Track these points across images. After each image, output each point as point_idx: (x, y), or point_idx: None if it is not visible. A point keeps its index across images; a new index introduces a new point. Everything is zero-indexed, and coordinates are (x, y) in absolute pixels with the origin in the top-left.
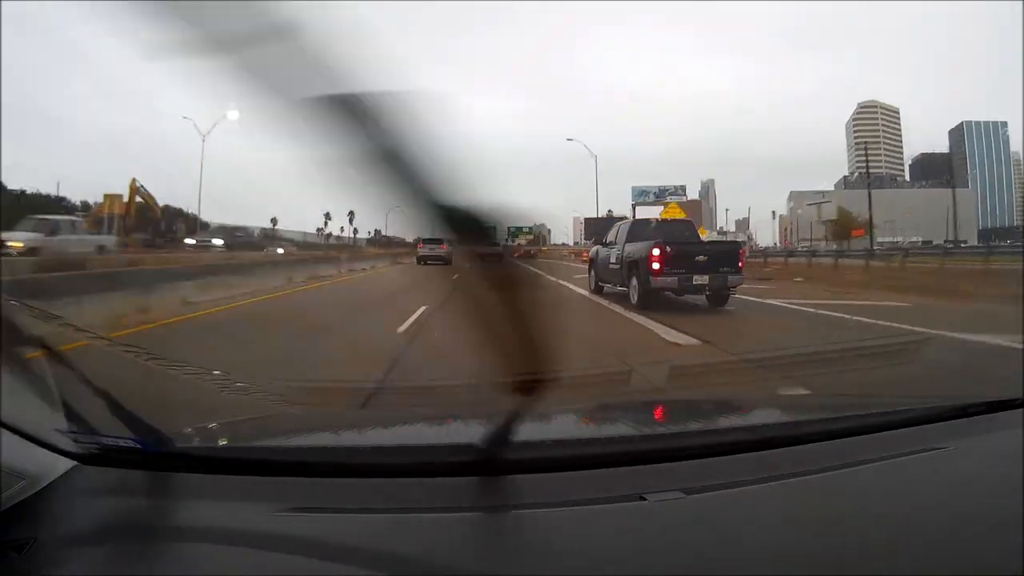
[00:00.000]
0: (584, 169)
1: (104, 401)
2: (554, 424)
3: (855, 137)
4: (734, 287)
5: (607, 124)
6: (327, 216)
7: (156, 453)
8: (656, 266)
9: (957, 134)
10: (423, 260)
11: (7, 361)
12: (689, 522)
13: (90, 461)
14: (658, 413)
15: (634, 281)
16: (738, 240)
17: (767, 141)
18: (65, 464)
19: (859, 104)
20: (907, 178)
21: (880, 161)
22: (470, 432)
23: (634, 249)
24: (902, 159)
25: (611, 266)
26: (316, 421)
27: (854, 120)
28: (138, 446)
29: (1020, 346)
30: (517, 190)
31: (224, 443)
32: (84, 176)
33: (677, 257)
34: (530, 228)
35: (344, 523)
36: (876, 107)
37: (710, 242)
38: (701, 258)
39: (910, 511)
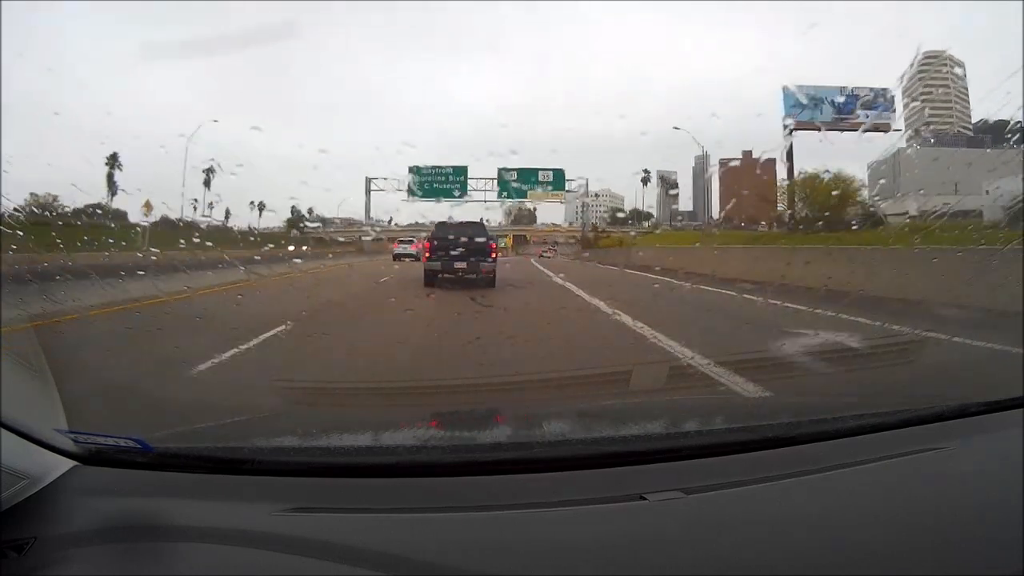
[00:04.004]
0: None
1: (103, 401)
2: (554, 424)
3: (923, 89)
4: (488, 271)
5: (619, 100)
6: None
7: (156, 453)
8: (427, 254)
9: None
10: (398, 258)
11: (7, 360)
12: (689, 522)
13: (90, 461)
14: (658, 413)
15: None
16: (490, 236)
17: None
18: (65, 464)
19: (923, 53)
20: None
21: (952, 119)
22: (470, 432)
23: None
24: (970, 119)
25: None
26: (315, 421)
27: (918, 72)
28: (138, 446)
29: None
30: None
31: (224, 443)
32: None
33: (441, 248)
34: (555, 173)
35: (343, 523)
36: (944, 59)
37: (469, 239)
38: (460, 250)
39: (910, 511)
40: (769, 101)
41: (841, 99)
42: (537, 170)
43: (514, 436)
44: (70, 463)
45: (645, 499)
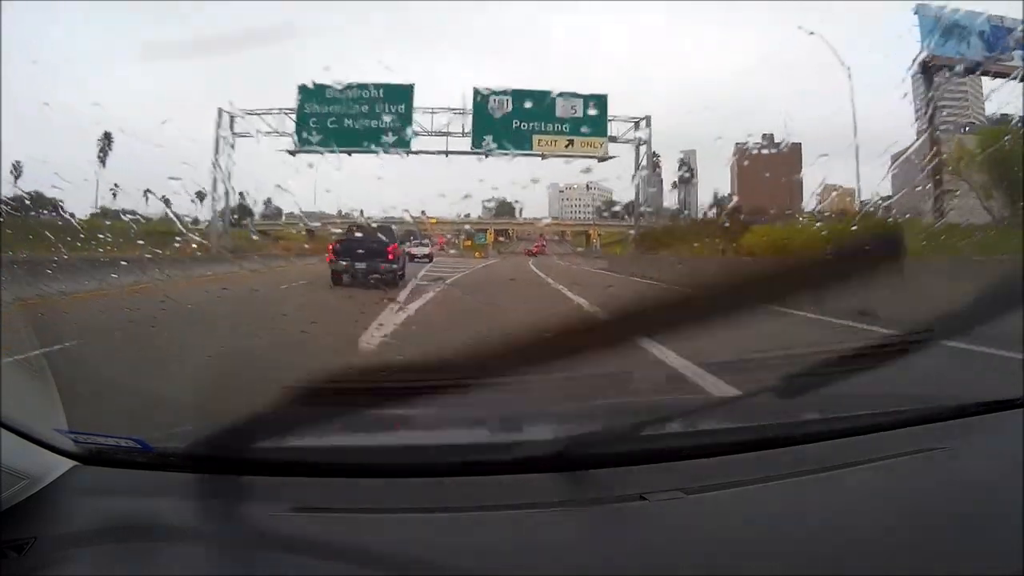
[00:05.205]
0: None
1: (103, 401)
2: (554, 424)
3: None
4: (387, 270)
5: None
6: None
7: (156, 453)
8: (330, 256)
9: None
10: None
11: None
12: (689, 522)
13: (90, 461)
14: (658, 413)
15: None
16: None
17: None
18: (65, 464)
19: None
20: None
21: (968, 107)
22: (470, 432)
23: None
24: (984, 109)
25: None
26: (316, 421)
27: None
28: (138, 446)
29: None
30: None
31: (223, 443)
32: None
33: (344, 251)
34: (588, 104)
35: (343, 523)
36: None
37: (371, 240)
38: (361, 251)
39: (909, 511)
40: (762, 97)
41: (990, 31)
42: (554, 98)
43: (514, 436)
44: (70, 463)
45: (645, 499)
